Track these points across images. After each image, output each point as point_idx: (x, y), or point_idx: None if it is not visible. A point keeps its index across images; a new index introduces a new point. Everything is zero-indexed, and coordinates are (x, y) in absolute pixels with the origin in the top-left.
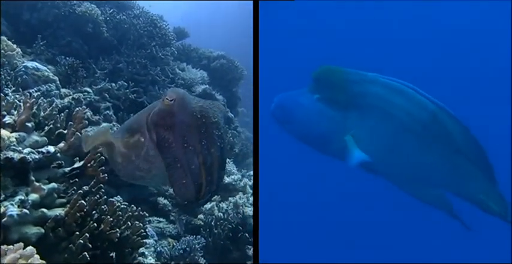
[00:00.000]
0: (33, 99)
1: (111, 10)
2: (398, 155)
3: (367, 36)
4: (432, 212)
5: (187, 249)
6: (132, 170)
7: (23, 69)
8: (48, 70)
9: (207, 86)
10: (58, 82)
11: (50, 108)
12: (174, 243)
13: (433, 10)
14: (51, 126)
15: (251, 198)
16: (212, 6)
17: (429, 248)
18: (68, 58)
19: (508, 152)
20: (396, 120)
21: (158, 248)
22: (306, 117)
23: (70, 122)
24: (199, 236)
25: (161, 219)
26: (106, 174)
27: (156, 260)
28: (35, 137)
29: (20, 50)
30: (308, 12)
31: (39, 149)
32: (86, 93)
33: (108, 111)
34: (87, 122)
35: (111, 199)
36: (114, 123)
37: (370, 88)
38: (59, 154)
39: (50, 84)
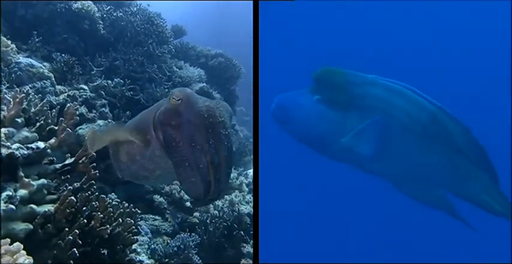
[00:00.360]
0: (23, 95)
1: (108, 7)
2: (399, 156)
3: (368, 37)
4: (432, 212)
5: (182, 246)
6: (136, 170)
7: (17, 65)
8: (43, 67)
9: (205, 84)
10: (53, 79)
11: (41, 104)
12: (169, 241)
13: (434, 10)
14: (42, 122)
15: (247, 196)
16: (211, 6)
17: (429, 248)
18: (63, 55)
19: (508, 152)
20: (396, 121)
21: (152, 246)
22: (306, 118)
23: (61, 118)
24: (193, 234)
25: (156, 217)
26: (97, 171)
27: (149, 258)
28: (24, 132)
29: (14, 46)
30: (308, 12)
31: (29, 145)
32: (81, 91)
33: (104, 109)
34: (78, 118)
35: (102, 196)
36: (110, 121)
37: (370, 89)
38: (49, 150)
39: (44, 81)
